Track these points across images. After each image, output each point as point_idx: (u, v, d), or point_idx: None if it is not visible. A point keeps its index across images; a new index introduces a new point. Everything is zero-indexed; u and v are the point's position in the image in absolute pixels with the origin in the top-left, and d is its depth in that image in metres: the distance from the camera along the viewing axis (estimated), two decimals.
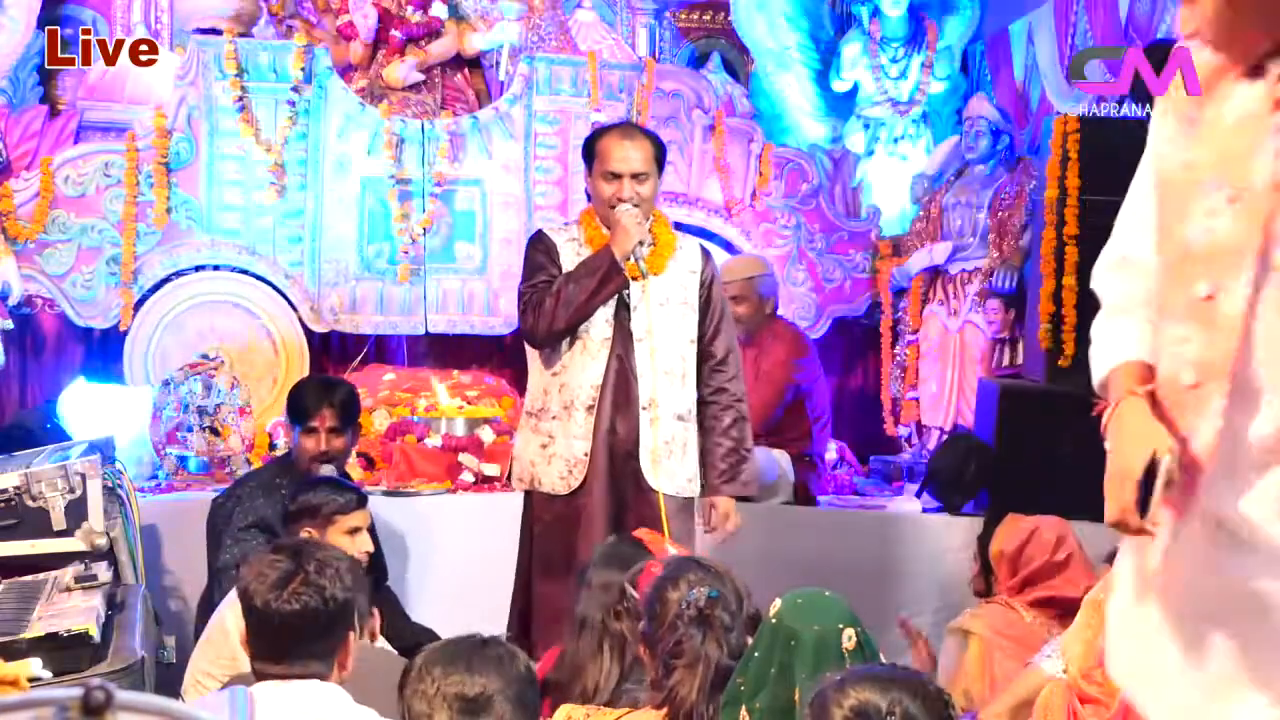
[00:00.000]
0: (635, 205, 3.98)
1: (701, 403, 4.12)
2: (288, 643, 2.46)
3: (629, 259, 3.95)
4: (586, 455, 3.99)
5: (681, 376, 4.07)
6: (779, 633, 2.27)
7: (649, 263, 4.00)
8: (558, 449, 4.03)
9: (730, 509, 4.14)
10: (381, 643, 3.71)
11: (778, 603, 2.34)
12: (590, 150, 4.10)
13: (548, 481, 4.05)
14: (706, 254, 4.22)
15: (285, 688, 2.45)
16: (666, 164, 4.19)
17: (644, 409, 4.00)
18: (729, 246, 6.59)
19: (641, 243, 3.97)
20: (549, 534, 4.06)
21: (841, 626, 2.27)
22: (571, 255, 4.07)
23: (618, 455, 4.00)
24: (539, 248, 4.13)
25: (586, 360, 4.02)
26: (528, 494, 4.16)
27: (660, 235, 4.10)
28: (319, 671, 2.48)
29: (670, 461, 4.03)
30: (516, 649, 2.21)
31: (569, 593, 3.89)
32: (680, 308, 4.08)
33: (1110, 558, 3.69)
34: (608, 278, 3.96)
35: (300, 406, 4.41)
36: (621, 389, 4.00)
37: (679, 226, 6.47)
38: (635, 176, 3.99)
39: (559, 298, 3.97)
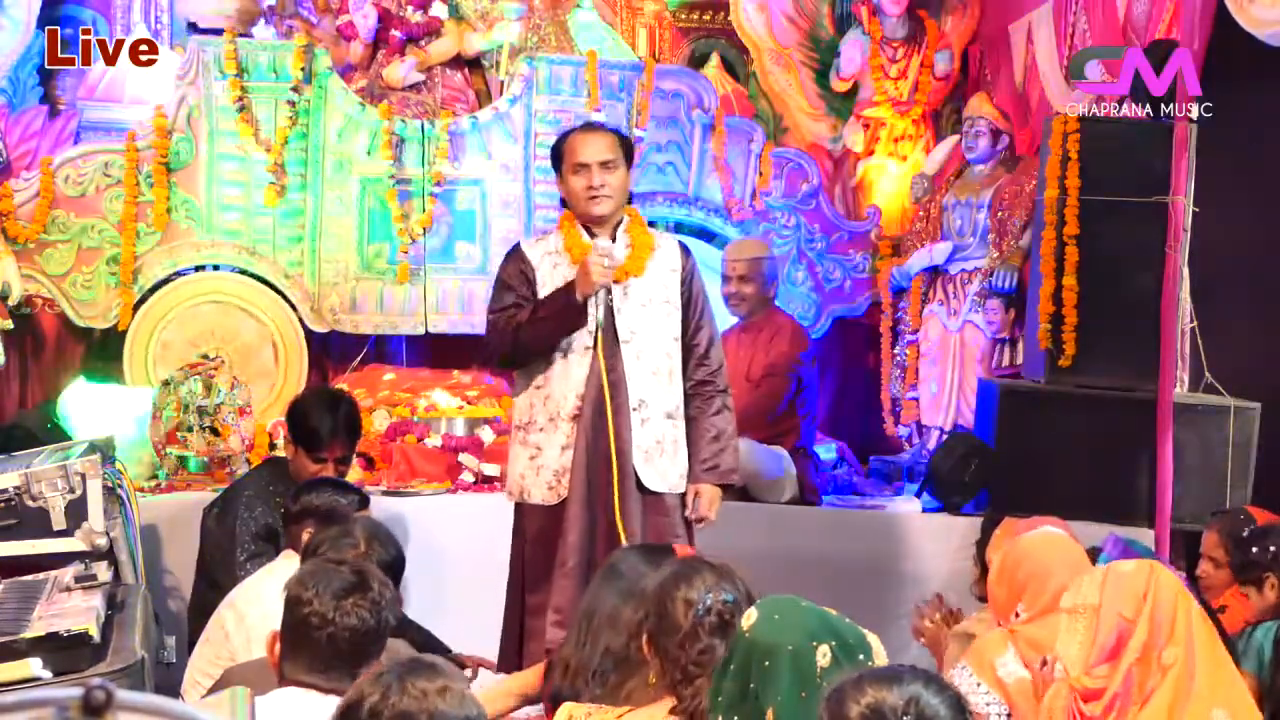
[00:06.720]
0: (606, 195, 4.01)
1: (686, 395, 4.14)
2: (331, 655, 2.45)
3: (589, 298, 3.97)
4: (572, 464, 4.01)
5: (669, 374, 4.09)
6: (754, 649, 2.22)
7: (627, 266, 4.04)
8: (545, 460, 4.05)
9: (713, 497, 4.13)
10: None
11: (752, 614, 2.27)
12: (557, 154, 4.14)
13: (537, 493, 4.07)
14: (686, 250, 4.25)
15: (300, 696, 2.45)
16: (633, 160, 4.23)
17: (634, 410, 4.02)
18: None
19: (608, 290, 3.98)
20: (538, 546, 4.08)
21: (815, 644, 2.19)
22: (548, 269, 4.09)
23: (607, 459, 3.99)
24: (509, 270, 4.16)
25: (569, 369, 4.04)
26: (518, 506, 4.17)
27: (637, 236, 4.12)
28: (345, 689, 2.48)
29: (662, 460, 4.06)
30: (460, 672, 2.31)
31: (562, 597, 3.91)
32: (663, 306, 4.10)
33: (1093, 555, 3.69)
34: (566, 320, 3.99)
35: (311, 435, 4.36)
36: (609, 392, 4.00)
37: (679, 227, 6.52)
38: (603, 164, 4.03)
39: (516, 339, 4.05)
